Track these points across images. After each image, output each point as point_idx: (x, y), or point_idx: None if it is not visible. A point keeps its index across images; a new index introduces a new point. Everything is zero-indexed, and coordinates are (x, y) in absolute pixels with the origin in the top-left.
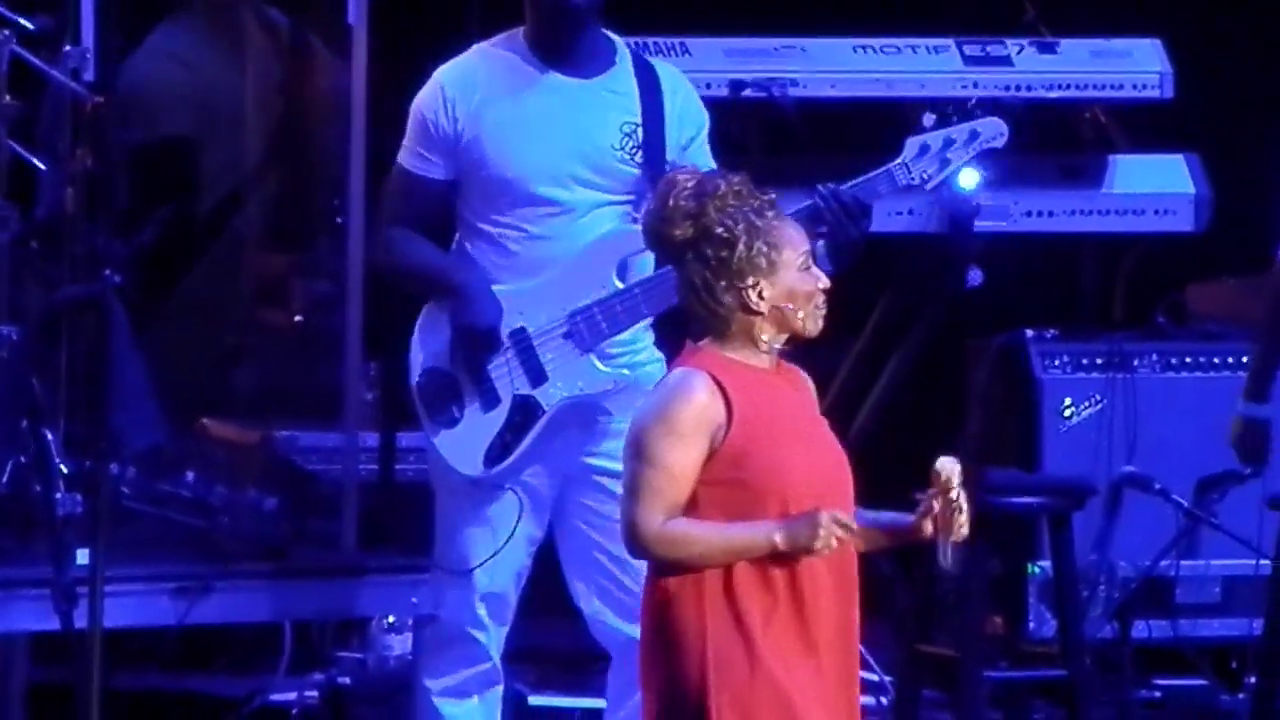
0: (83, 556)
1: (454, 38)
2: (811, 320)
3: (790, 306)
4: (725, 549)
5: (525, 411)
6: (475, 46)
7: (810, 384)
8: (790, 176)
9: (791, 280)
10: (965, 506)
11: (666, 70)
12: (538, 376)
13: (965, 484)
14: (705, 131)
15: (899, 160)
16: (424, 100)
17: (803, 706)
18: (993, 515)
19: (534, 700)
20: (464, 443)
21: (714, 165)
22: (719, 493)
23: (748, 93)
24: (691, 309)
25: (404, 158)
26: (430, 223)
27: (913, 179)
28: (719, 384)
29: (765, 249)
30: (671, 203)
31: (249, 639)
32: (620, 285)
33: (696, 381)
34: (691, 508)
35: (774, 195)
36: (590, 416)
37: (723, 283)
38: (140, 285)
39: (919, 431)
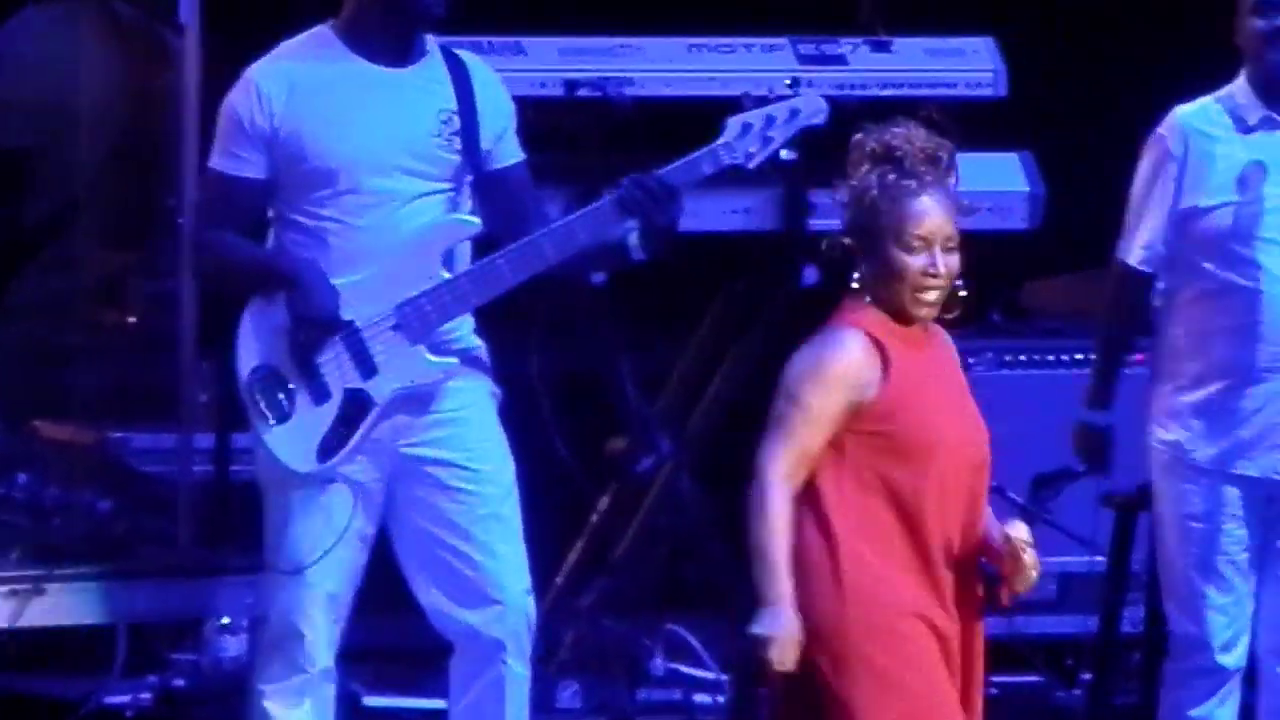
0: None
1: (289, 36)
2: (915, 303)
3: (894, 284)
4: (755, 560)
5: (357, 405)
6: (282, 44)
7: (952, 347)
8: (627, 175)
9: (889, 256)
10: (1035, 562)
11: (473, 61)
12: (368, 369)
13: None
14: (514, 123)
15: (721, 140)
16: (236, 99)
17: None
18: None
19: (369, 701)
20: (295, 438)
21: (523, 156)
22: (867, 441)
23: (583, 92)
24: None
25: (217, 161)
26: (248, 225)
27: (736, 158)
28: (877, 342)
29: (875, 215)
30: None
31: (83, 641)
32: (448, 275)
33: (852, 340)
34: (839, 453)
35: (937, 156)
36: (419, 406)
37: (847, 238)
38: None
39: (757, 430)
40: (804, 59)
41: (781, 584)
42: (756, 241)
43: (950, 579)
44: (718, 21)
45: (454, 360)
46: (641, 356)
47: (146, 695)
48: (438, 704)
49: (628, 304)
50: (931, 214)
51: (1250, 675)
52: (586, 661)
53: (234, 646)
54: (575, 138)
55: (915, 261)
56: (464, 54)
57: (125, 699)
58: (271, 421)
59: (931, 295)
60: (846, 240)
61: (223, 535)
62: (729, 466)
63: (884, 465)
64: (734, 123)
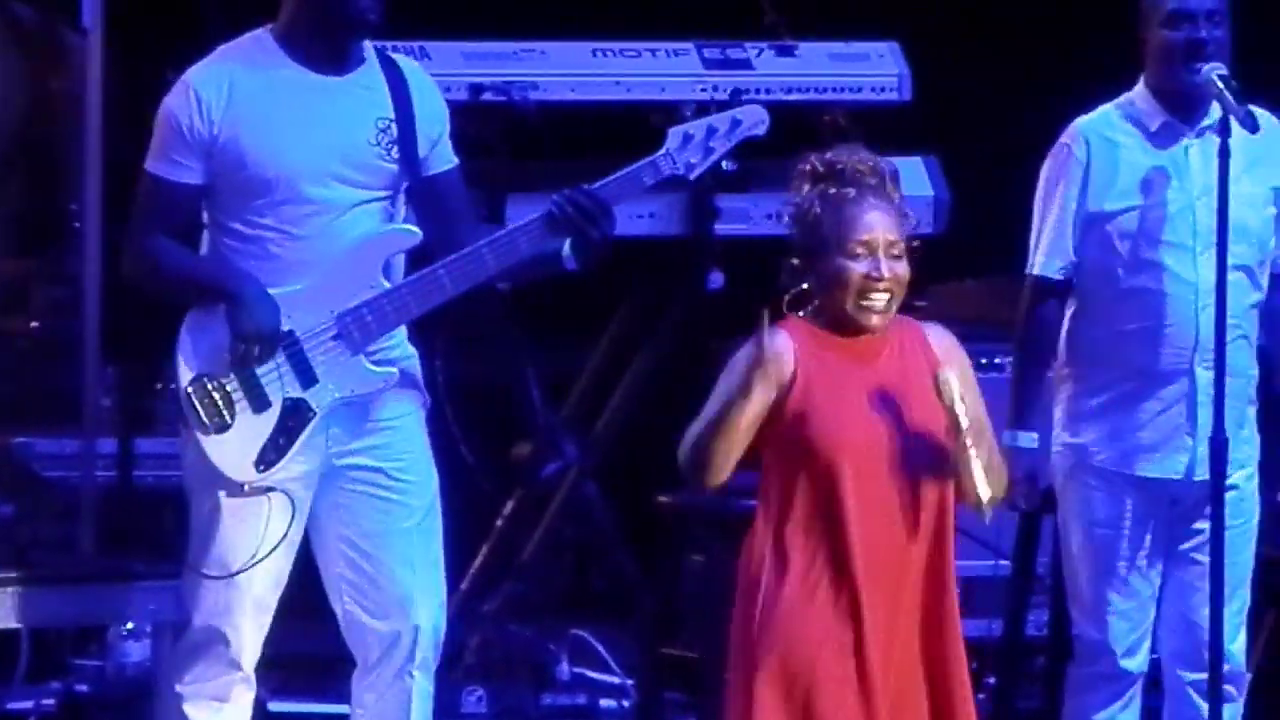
0: None
1: (193, 40)
2: (862, 310)
3: (837, 291)
4: (714, 411)
5: (297, 415)
6: (220, 49)
7: (933, 345)
8: (533, 180)
9: (833, 265)
10: (975, 453)
11: (410, 66)
12: (308, 379)
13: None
14: (449, 129)
15: (662, 150)
16: (175, 104)
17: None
18: (735, 517)
19: (275, 706)
20: (235, 447)
21: (456, 162)
22: (786, 451)
23: (487, 96)
24: None
25: (154, 165)
26: (185, 230)
27: (677, 169)
28: (792, 346)
29: (817, 227)
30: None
31: None
32: (388, 285)
33: (770, 334)
34: (768, 468)
35: (878, 168)
36: (357, 416)
37: (794, 259)
38: None
39: (662, 434)
40: (709, 63)
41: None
42: (662, 246)
43: (880, 594)
44: (623, 26)
45: (394, 370)
46: (547, 362)
47: (50, 701)
48: (341, 709)
49: (533, 309)
50: (873, 220)
51: (1152, 680)
52: (492, 667)
53: (137, 652)
54: (480, 142)
55: (858, 267)
56: (401, 59)
57: (28, 705)
58: (211, 430)
59: (878, 301)
60: (794, 261)
61: (126, 540)
62: (635, 472)
63: (800, 476)
64: (675, 133)
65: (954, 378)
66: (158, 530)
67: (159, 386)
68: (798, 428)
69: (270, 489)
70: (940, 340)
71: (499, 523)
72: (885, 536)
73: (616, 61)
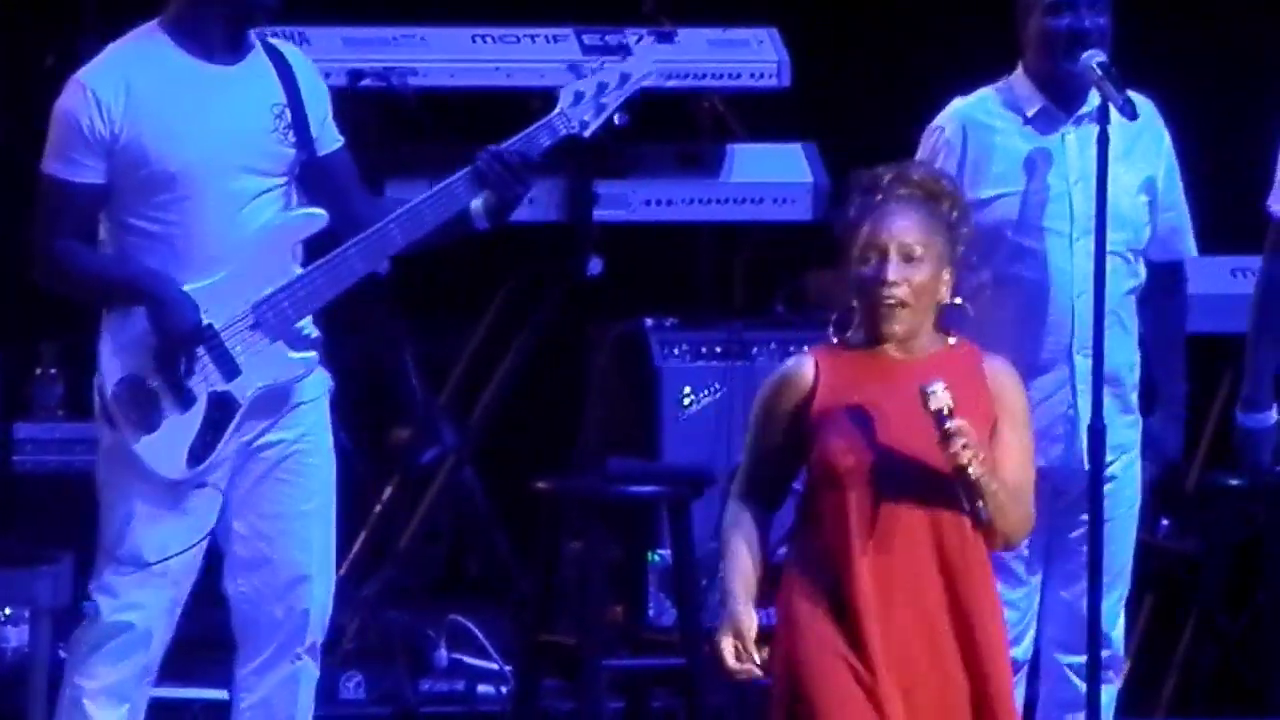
0: None
1: (73, 24)
2: (875, 317)
3: (856, 299)
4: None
5: (222, 407)
6: (110, 46)
7: (987, 376)
8: (412, 166)
9: (852, 273)
10: (960, 444)
11: (289, 49)
12: (231, 371)
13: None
14: (331, 108)
15: (557, 110)
16: (72, 105)
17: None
18: (613, 503)
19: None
20: (166, 446)
21: (342, 140)
22: (812, 467)
23: (367, 82)
24: None
25: (53, 168)
26: (90, 231)
27: (572, 127)
28: (817, 365)
29: (847, 237)
30: None
31: None
32: (300, 270)
33: (796, 360)
34: (809, 484)
35: (924, 181)
36: (274, 402)
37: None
38: None
39: (540, 419)
40: (588, 49)
41: (725, 592)
42: (541, 231)
43: (895, 622)
44: (502, 12)
45: (313, 354)
46: (425, 346)
47: None
48: (221, 694)
49: (411, 293)
50: (889, 225)
51: (1031, 667)
52: (370, 652)
53: (15, 637)
54: (359, 128)
55: (867, 272)
56: (279, 43)
57: None
58: (142, 431)
59: (891, 307)
60: (833, 274)
61: (4, 526)
62: (512, 457)
63: (818, 493)
64: (566, 92)
65: (942, 390)
66: (36, 516)
67: (38, 371)
68: (812, 446)
69: (202, 484)
70: (997, 374)
71: (377, 508)
72: (898, 559)
73: (496, 47)
